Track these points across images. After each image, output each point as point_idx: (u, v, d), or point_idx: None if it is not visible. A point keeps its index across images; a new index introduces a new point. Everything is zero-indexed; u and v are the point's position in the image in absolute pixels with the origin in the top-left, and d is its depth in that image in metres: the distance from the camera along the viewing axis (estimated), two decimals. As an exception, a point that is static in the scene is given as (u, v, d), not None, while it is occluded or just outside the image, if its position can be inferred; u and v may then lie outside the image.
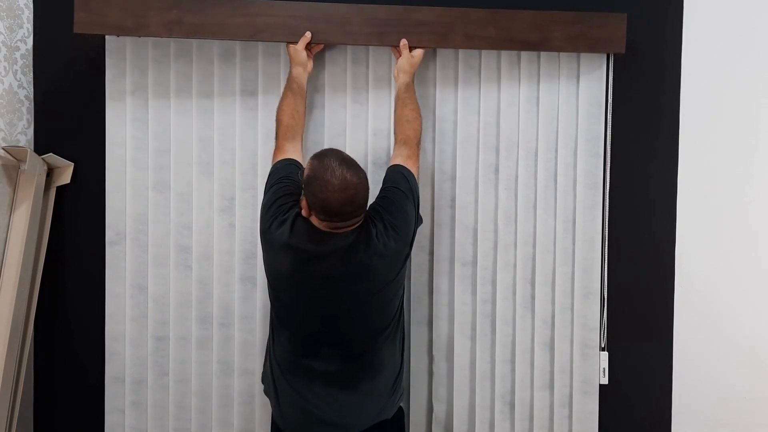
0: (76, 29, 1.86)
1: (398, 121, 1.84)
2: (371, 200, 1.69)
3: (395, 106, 1.87)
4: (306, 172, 1.59)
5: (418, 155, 1.82)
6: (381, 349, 1.65)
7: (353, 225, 1.59)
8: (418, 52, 1.89)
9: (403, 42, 1.87)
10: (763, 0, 2.00)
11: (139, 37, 1.92)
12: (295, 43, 1.87)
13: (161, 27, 1.86)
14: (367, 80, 1.99)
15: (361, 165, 1.96)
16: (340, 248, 1.57)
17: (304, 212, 1.61)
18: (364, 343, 1.63)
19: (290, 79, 1.86)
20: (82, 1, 1.85)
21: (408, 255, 1.69)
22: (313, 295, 1.59)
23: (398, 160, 1.78)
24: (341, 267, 1.57)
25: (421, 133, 1.85)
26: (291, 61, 1.88)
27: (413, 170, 1.76)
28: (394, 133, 1.86)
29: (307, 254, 1.57)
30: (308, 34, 1.86)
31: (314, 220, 1.60)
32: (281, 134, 1.82)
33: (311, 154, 2.00)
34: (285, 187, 1.68)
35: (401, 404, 1.76)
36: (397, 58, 1.90)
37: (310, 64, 1.89)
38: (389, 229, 1.62)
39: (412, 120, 1.83)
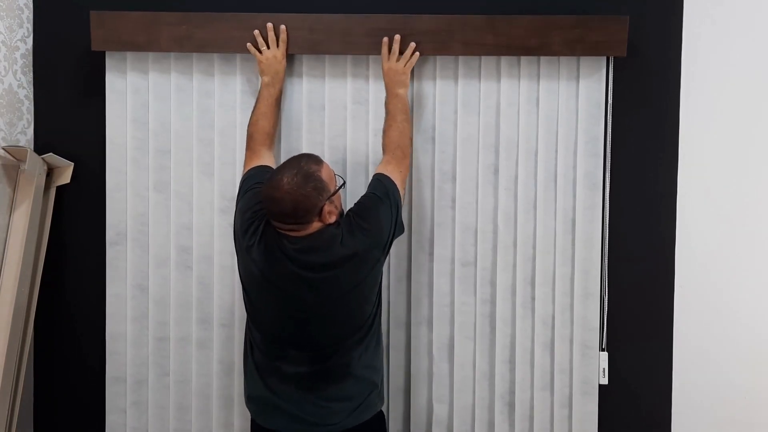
0: (94, 47, 1.93)
1: (387, 129, 1.83)
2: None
3: (387, 114, 1.85)
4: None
5: (401, 162, 1.78)
6: (350, 353, 1.63)
7: (306, 230, 1.57)
8: (416, 56, 1.88)
9: (397, 37, 1.87)
10: (763, 1, 2.00)
11: (152, 52, 1.97)
12: (298, 52, 1.92)
13: (172, 42, 1.91)
14: (367, 80, 1.99)
15: (361, 165, 2.00)
16: (300, 250, 1.56)
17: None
18: (332, 346, 1.61)
19: (273, 89, 1.87)
20: (97, 20, 1.92)
21: (380, 260, 1.64)
22: (279, 298, 1.59)
23: (379, 168, 1.77)
24: (304, 269, 1.56)
25: (408, 142, 1.83)
26: (261, 74, 1.89)
27: (393, 176, 1.73)
28: (382, 141, 1.84)
29: (273, 257, 1.57)
30: (269, 25, 1.88)
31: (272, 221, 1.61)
32: (260, 140, 1.82)
33: (310, 155, 2.02)
34: (258, 193, 1.65)
35: (381, 408, 1.73)
36: (386, 58, 1.88)
37: (282, 67, 1.89)
38: (356, 232, 1.59)
39: (402, 130, 1.82)
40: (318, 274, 1.57)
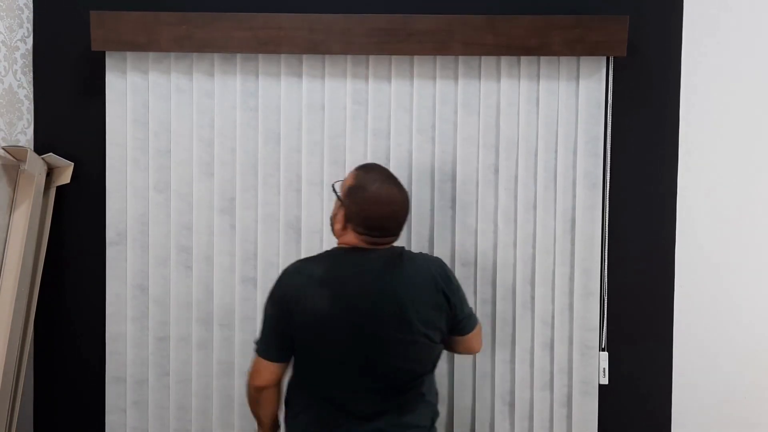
0: (94, 47, 1.93)
1: None
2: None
3: None
4: (349, 182, 1.53)
5: None
6: (425, 378, 1.52)
7: (389, 243, 1.52)
8: None
9: None
10: (763, 1, 2.00)
11: (152, 52, 1.97)
12: (298, 52, 1.90)
13: (172, 42, 1.91)
14: (367, 80, 2.00)
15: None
16: (379, 262, 1.48)
17: (337, 227, 1.53)
18: (409, 373, 1.49)
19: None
20: (97, 20, 1.92)
21: None
22: (355, 321, 1.44)
23: None
24: (382, 282, 1.46)
25: None
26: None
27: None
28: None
29: (347, 274, 1.46)
30: None
31: (348, 237, 1.51)
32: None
33: (309, 155, 2.02)
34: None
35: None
36: None
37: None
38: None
39: None
40: (393, 287, 1.46)
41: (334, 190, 1.58)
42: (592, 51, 1.92)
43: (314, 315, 1.44)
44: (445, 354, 2.03)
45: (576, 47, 1.91)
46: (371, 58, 1.98)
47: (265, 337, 1.50)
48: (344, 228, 1.52)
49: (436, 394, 1.59)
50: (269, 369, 1.50)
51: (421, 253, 1.64)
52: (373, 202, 1.48)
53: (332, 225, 1.57)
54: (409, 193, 1.57)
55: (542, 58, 1.97)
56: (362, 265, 1.48)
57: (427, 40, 1.90)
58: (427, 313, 1.49)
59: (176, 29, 1.91)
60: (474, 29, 1.90)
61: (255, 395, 1.54)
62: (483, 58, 1.98)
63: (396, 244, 1.57)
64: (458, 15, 1.91)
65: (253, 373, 1.52)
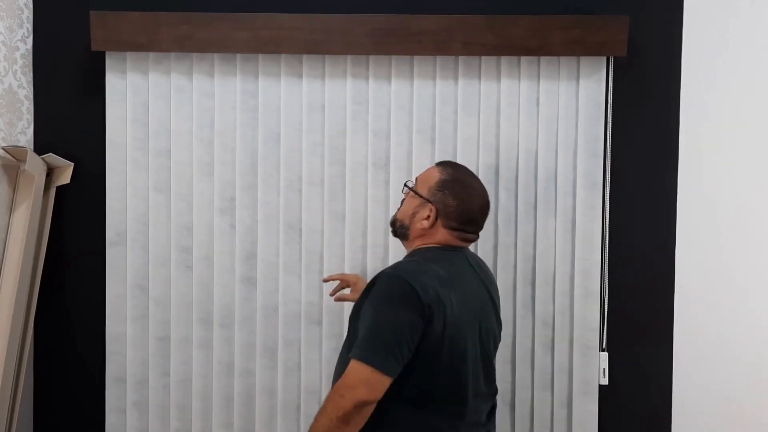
0: (94, 47, 1.93)
1: None
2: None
3: None
4: (440, 176, 1.47)
5: None
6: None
7: (474, 240, 1.52)
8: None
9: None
10: (763, 1, 2.00)
11: (152, 52, 1.97)
12: (298, 52, 1.90)
13: (173, 42, 1.91)
14: (367, 81, 2.00)
15: (361, 165, 2.01)
16: (474, 258, 1.49)
17: (424, 224, 1.45)
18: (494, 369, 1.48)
19: None
20: (98, 20, 1.91)
21: None
22: (480, 323, 1.40)
23: None
24: (485, 280, 1.47)
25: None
26: None
27: None
28: None
29: (463, 273, 1.41)
30: None
31: (441, 234, 1.45)
32: None
33: (309, 155, 2.01)
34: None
35: None
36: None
37: None
38: None
39: None
40: (491, 282, 1.50)
41: (411, 189, 1.52)
42: (592, 51, 1.92)
43: (453, 320, 1.32)
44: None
45: (576, 47, 1.91)
46: (371, 58, 1.98)
47: (386, 346, 1.27)
48: (432, 226, 1.45)
49: None
50: (383, 383, 1.26)
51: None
52: (473, 195, 1.46)
53: (405, 227, 1.50)
54: None
55: (542, 58, 1.97)
56: (467, 262, 1.45)
57: (427, 40, 1.90)
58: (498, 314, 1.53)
59: (176, 29, 1.91)
60: (474, 29, 1.90)
61: (352, 412, 1.25)
62: (483, 58, 1.98)
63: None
64: (458, 15, 1.91)
65: (358, 386, 1.25)
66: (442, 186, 1.46)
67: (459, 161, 1.99)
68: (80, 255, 2.06)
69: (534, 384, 2.03)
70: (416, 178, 1.56)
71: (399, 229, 1.53)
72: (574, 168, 2.00)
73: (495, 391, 1.49)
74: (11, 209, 1.90)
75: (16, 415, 1.89)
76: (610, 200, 2.02)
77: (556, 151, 2.01)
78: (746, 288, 2.04)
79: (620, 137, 2.02)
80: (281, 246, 2.02)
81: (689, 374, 2.06)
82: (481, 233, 1.98)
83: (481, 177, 1.98)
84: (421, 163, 2.00)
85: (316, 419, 1.29)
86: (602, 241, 2.02)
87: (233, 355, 2.02)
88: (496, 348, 1.49)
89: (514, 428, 2.03)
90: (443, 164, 1.54)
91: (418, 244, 1.48)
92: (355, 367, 1.26)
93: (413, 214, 1.48)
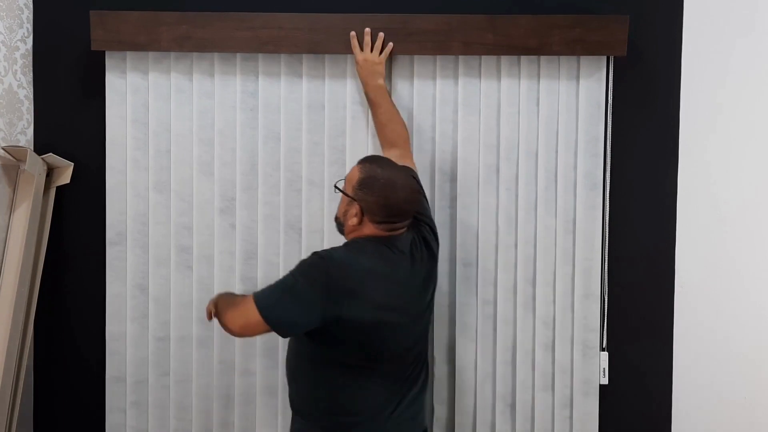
0: (94, 47, 1.92)
1: (388, 121, 1.85)
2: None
3: (380, 107, 1.86)
4: (358, 176, 1.54)
5: (411, 153, 1.88)
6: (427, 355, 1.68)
7: (406, 227, 1.59)
8: (390, 46, 1.89)
9: (368, 30, 1.88)
10: (763, 1, 2.00)
11: (152, 52, 1.97)
12: (298, 52, 1.92)
13: (172, 42, 1.91)
14: (368, 80, 1.99)
15: (362, 165, 2.00)
16: (406, 247, 1.56)
17: (354, 221, 1.54)
18: (426, 349, 1.66)
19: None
20: (98, 20, 1.91)
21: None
22: (406, 311, 1.52)
23: (407, 163, 1.79)
24: (414, 267, 1.56)
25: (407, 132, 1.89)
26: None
27: (414, 167, 1.82)
28: (383, 137, 1.87)
29: (389, 266, 1.50)
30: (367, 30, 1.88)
31: (369, 229, 1.54)
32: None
33: (309, 155, 2.01)
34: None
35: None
36: (358, 50, 1.89)
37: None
38: (432, 228, 1.69)
39: (403, 121, 1.87)
40: (423, 268, 1.59)
41: (339, 189, 1.60)
42: (592, 51, 1.92)
43: (372, 306, 1.46)
44: (445, 354, 2.03)
45: (576, 47, 1.90)
46: (371, 57, 1.98)
47: (279, 303, 1.44)
48: (361, 222, 1.54)
49: None
50: (257, 330, 1.45)
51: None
52: (391, 188, 1.51)
53: (341, 224, 1.62)
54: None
55: (542, 58, 1.97)
56: (397, 249, 1.54)
57: (427, 39, 1.90)
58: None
59: (176, 29, 1.91)
60: (474, 29, 1.90)
61: (227, 329, 1.50)
62: (483, 58, 1.98)
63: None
64: (458, 15, 1.91)
65: (239, 319, 1.46)
66: (362, 184, 1.53)
67: (459, 161, 2.00)
68: (80, 255, 2.06)
69: (535, 385, 2.03)
70: (345, 178, 1.63)
71: (338, 226, 1.65)
72: (575, 168, 2.00)
73: (424, 368, 1.65)
74: (11, 209, 1.90)
75: (16, 415, 1.89)
76: (610, 200, 2.02)
77: (557, 151, 2.00)
78: (746, 288, 2.04)
79: (620, 137, 2.02)
80: (281, 246, 2.02)
81: (689, 374, 2.06)
82: (481, 233, 2.00)
83: (481, 177, 2.00)
84: (422, 163, 2.00)
85: (223, 301, 1.53)
86: (602, 241, 2.02)
87: (233, 355, 2.02)
88: (425, 328, 1.65)
89: (515, 429, 2.03)
90: (364, 161, 1.60)
91: (351, 237, 1.60)
92: (249, 303, 1.44)
93: (345, 212, 1.58)
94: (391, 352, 1.52)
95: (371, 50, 1.88)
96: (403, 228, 1.58)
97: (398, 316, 1.50)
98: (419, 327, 1.61)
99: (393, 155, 1.78)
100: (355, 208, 1.54)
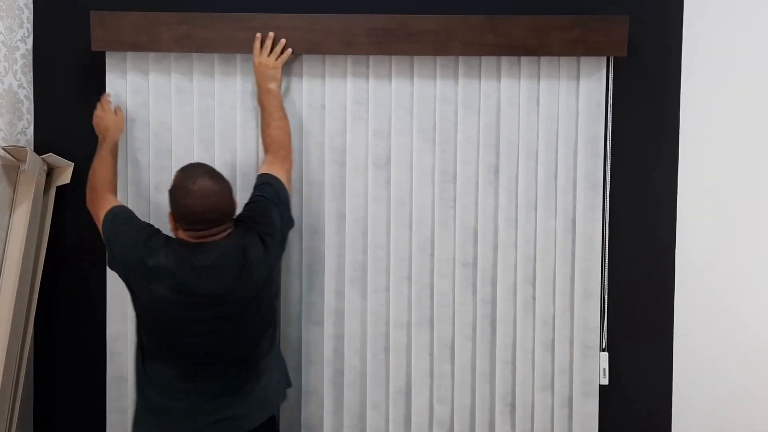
0: (94, 47, 1.92)
1: (266, 127, 1.85)
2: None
3: (263, 111, 1.87)
4: (172, 184, 1.61)
5: (284, 160, 1.82)
6: (263, 352, 1.67)
7: (221, 233, 1.60)
8: (288, 52, 1.90)
9: (271, 34, 1.88)
10: (763, 1, 2.00)
11: (152, 52, 1.97)
12: (298, 52, 1.91)
13: (172, 42, 1.91)
14: (367, 80, 1.99)
15: (361, 166, 2.00)
16: (213, 258, 1.57)
17: (171, 227, 1.63)
18: (247, 349, 1.64)
19: (109, 144, 1.88)
20: (98, 20, 1.91)
21: (280, 255, 1.72)
22: (197, 311, 1.57)
23: (264, 168, 1.80)
24: (218, 277, 1.57)
25: (288, 139, 1.85)
26: (101, 130, 1.90)
27: (279, 175, 1.78)
28: (262, 140, 1.86)
29: (186, 269, 1.56)
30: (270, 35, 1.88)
31: (181, 234, 1.61)
32: (104, 188, 1.82)
33: (309, 155, 2.02)
34: (138, 221, 1.72)
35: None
36: (257, 53, 1.88)
37: (121, 124, 1.93)
38: (263, 237, 1.65)
39: (281, 127, 1.84)
40: (232, 279, 1.58)
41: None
42: (592, 51, 1.92)
43: (156, 301, 1.58)
44: (446, 354, 2.03)
45: (576, 47, 1.90)
46: (371, 58, 1.98)
47: (115, 216, 1.71)
48: (175, 228, 1.63)
49: None
50: (97, 216, 1.77)
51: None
52: (189, 197, 1.56)
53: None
54: (230, 186, 1.64)
55: (542, 58, 1.97)
56: (209, 256, 1.57)
57: (426, 40, 1.90)
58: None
59: (176, 29, 1.91)
60: (474, 29, 1.90)
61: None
62: (483, 58, 1.98)
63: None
64: (458, 15, 1.91)
65: (92, 203, 1.81)
66: (171, 193, 1.61)
67: (459, 161, 2.00)
68: (80, 255, 2.06)
69: (534, 384, 2.03)
70: None
71: None
72: (574, 168, 2.00)
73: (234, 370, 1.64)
74: (11, 209, 1.90)
75: (16, 415, 1.89)
76: (610, 200, 2.02)
77: (556, 151, 2.01)
78: (746, 288, 2.04)
79: (620, 137, 2.02)
80: (281, 246, 2.02)
81: (689, 374, 2.06)
82: (480, 233, 2.00)
83: (480, 177, 2.00)
84: (422, 163, 2.00)
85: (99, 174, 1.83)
86: (602, 241, 2.02)
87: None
88: (239, 340, 1.64)
89: (515, 429, 2.03)
90: (180, 170, 1.65)
91: None
92: (102, 210, 1.75)
93: (169, 220, 1.65)
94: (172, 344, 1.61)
95: (269, 54, 1.88)
96: (213, 236, 1.59)
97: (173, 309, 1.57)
98: (220, 326, 1.60)
99: (265, 160, 1.82)
100: (171, 215, 1.62)
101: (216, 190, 1.57)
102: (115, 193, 1.85)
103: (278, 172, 1.78)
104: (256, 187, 1.77)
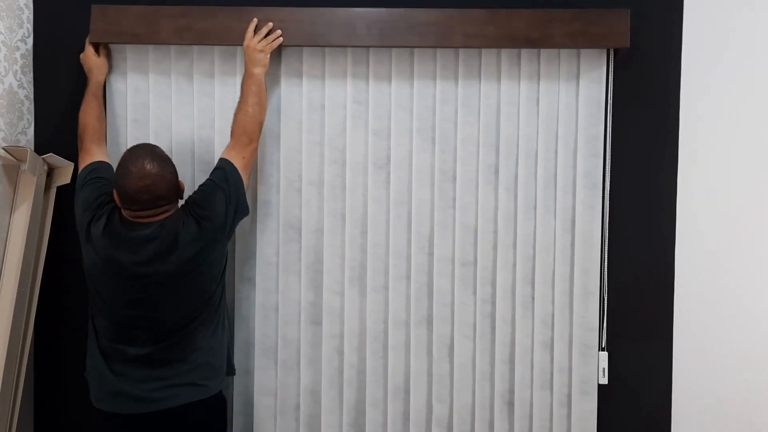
0: (92, 39, 1.93)
1: (237, 112, 1.84)
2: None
3: (240, 96, 1.85)
4: (118, 162, 1.68)
5: (244, 147, 1.81)
6: (195, 331, 1.71)
7: (158, 215, 1.66)
8: (279, 40, 1.90)
9: (270, 24, 1.89)
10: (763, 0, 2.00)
11: (152, 45, 1.97)
12: (299, 45, 1.90)
13: (172, 34, 1.91)
14: (367, 80, 2.00)
15: (360, 165, 2.00)
16: (145, 236, 1.64)
17: (116, 202, 1.70)
18: (176, 324, 1.69)
19: (93, 85, 1.93)
20: (98, 12, 1.91)
21: (221, 241, 1.74)
22: (124, 282, 1.66)
23: (223, 154, 1.82)
24: (148, 254, 1.63)
25: (257, 127, 1.84)
26: (86, 70, 1.94)
27: (235, 161, 1.79)
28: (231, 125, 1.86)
29: (117, 242, 1.65)
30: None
31: (123, 210, 1.68)
32: (88, 138, 1.88)
33: (309, 155, 2.02)
34: (102, 186, 1.77)
35: (222, 390, 1.79)
36: (249, 37, 1.87)
37: (104, 66, 1.96)
38: (199, 220, 1.68)
39: (251, 114, 1.83)
40: (165, 257, 1.64)
41: None
42: (594, 42, 1.90)
43: (92, 264, 1.69)
44: (444, 353, 2.03)
45: (578, 39, 1.89)
46: (371, 57, 1.98)
47: (90, 166, 1.83)
48: (120, 205, 1.69)
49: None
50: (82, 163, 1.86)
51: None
52: (125, 177, 1.62)
53: None
54: (168, 169, 1.68)
55: (543, 55, 1.97)
56: (140, 237, 1.64)
57: (428, 32, 1.90)
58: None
59: (177, 21, 1.90)
60: (475, 21, 1.90)
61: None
62: (483, 55, 1.98)
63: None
64: (460, 8, 1.91)
65: (78, 143, 1.90)
66: (115, 171, 1.68)
67: (459, 161, 2.00)
68: (80, 255, 2.06)
69: (533, 383, 2.03)
70: None
71: None
72: (574, 168, 2.00)
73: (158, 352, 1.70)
74: (11, 209, 1.90)
75: (16, 415, 1.89)
76: (610, 200, 2.02)
77: (556, 151, 2.01)
78: (746, 288, 2.04)
79: (620, 137, 2.02)
80: (280, 246, 2.02)
81: (689, 374, 2.06)
82: (480, 232, 2.00)
83: (480, 177, 2.00)
84: (422, 163, 2.00)
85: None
86: (602, 240, 2.02)
87: (232, 355, 2.02)
88: (162, 319, 1.69)
89: (514, 428, 2.03)
90: (127, 149, 1.72)
91: None
92: (83, 162, 1.86)
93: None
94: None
95: (260, 39, 1.88)
96: (149, 218, 1.65)
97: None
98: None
99: (228, 145, 1.83)
100: (115, 191, 1.68)
101: (152, 173, 1.62)
102: (99, 142, 1.90)
103: (234, 158, 1.79)
104: (212, 171, 1.80)
